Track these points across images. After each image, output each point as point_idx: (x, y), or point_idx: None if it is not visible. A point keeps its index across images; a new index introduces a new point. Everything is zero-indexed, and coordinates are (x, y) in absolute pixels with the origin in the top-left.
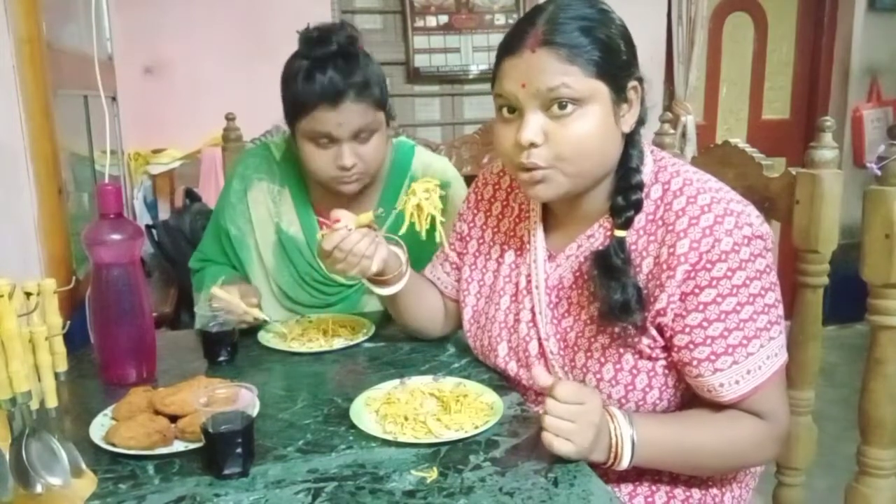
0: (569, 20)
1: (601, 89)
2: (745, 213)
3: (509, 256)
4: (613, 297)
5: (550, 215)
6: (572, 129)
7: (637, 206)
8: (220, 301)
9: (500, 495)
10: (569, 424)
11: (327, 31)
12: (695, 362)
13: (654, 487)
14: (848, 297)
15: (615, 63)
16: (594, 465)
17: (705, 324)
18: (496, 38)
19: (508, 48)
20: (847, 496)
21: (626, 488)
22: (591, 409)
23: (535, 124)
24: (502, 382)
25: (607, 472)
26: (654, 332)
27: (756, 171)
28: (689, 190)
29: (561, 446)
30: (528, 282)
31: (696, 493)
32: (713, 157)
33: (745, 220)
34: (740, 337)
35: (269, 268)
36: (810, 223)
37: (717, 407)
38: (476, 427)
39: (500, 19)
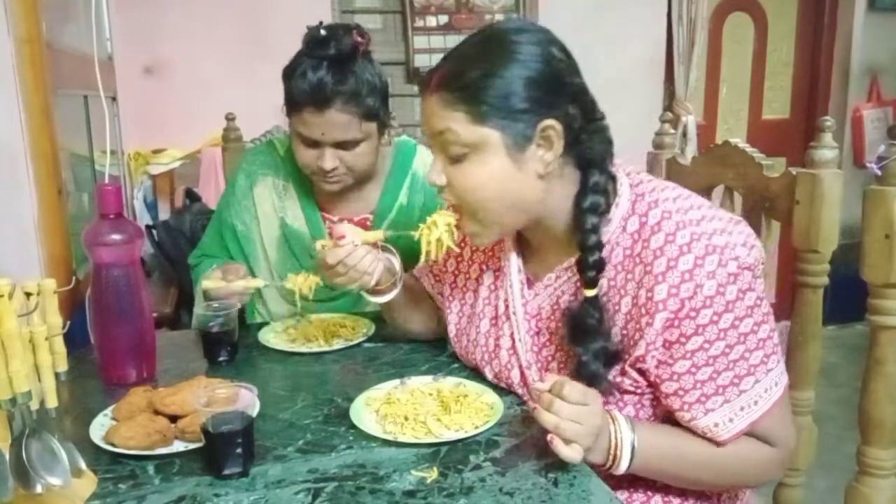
0: (468, 62)
1: (492, 136)
2: (729, 245)
3: (488, 277)
4: (583, 360)
5: (526, 241)
6: (465, 174)
7: (599, 268)
8: (216, 291)
9: (500, 495)
10: (576, 426)
11: (330, 35)
12: (686, 406)
13: (649, 493)
14: (848, 297)
15: (510, 108)
16: (592, 467)
17: (693, 370)
18: None
19: (422, 85)
20: (847, 496)
21: (621, 495)
22: (595, 411)
23: (437, 166)
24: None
25: (603, 477)
26: (634, 374)
27: (756, 171)
28: (668, 225)
29: (570, 453)
30: (507, 307)
31: (691, 501)
32: (713, 157)
33: (729, 255)
34: (731, 377)
35: (273, 262)
36: (810, 223)
37: None
38: (476, 427)
39: (500, 19)
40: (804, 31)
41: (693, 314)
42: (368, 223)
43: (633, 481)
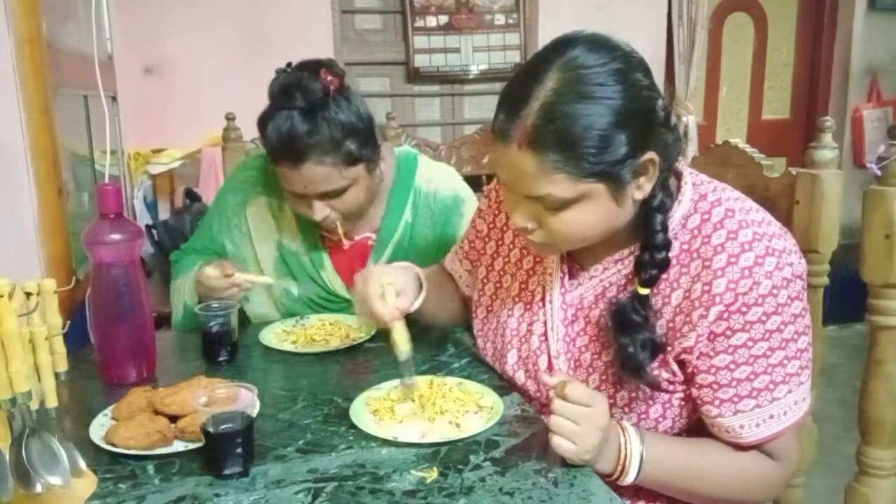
0: (557, 115)
1: (595, 188)
2: (786, 250)
3: (527, 262)
4: (626, 352)
5: None
6: (564, 222)
7: (663, 267)
8: (215, 281)
9: (500, 495)
10: (574, 426)
11: (296, 82)
12: (717, 402)
13: None
14: (848, 297)
15: (611, 160)
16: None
17: (732, 366)
18: (496, 38)
19: (500, 131)
20: (847, 496)
21: None
22: (597, 413)
23: (524, 213)
24: (502, 382)
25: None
26: (675, 366)
27: (756, 171)
28: (730, 223)
29: (561, 444)
30: (544, 294)
31: None
32: (713, 157)
33: (786, 260)
34: (767, 381)
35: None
36: (810, 223)
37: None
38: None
39: (500, 19)
40: (804, 31)
41: (744, 309)
42: (371, 242)
43: (636, 492)
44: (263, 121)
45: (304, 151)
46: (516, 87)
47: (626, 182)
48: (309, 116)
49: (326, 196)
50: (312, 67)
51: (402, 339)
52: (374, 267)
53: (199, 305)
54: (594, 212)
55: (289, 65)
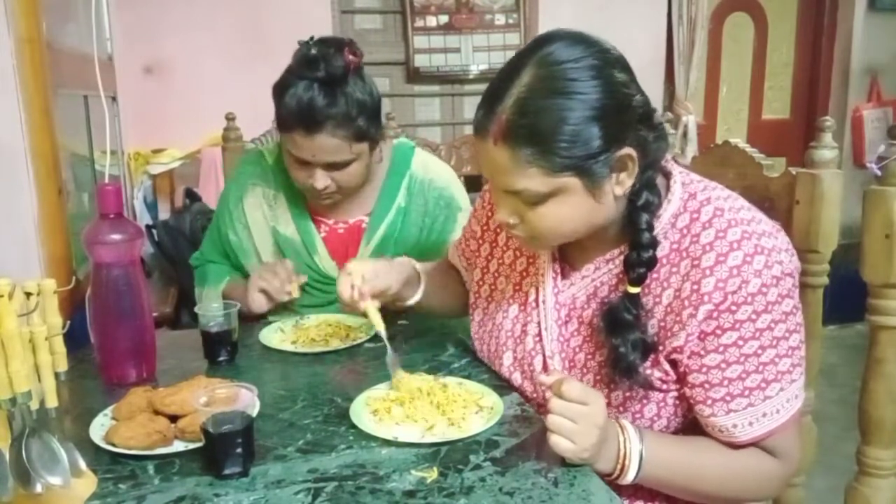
0: (530, 109)
1: (570, 182)
2: (776, 248)
3: (521, 264)
4: (618, 352)
5: None
6: (542, 216)
7: (650, 265)
8: (271, 266)
9: (500, 495)
10: (572, 424)
11: (321, 55)
12: (709, 401)
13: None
14: (848, 297)
15: (585, 154)
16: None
17: (723, 365)
18: (496, 38)
19: (479, 127)
20: (847, 496)
21: None
22: (595, 412)
23: (506, 208)
24: (502, 382)
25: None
26: (667, 366)
27: (756, 171)
28: (719, 222)
29: (560, 443)
30: (538, 294)
31: None
32: (713, 157)
33: (775, 259)
34: (759, 380)
35: None
36: (810, 223)
37: None
38: (475, 418)
39: (500, 19)
40: (804, 31)
41: (734, 308)
42: (364, 226)
43: (635, 491)
44: (282, 87)
45: (321, 122)
46: (495, 84)
47: (603, 177)
48: (329, 89)
49: (331, 167)
50: (337, 44)
51: (376, 319)
52: (349, 263)
53: (199, 306)
54: (572, 207)
55: (311, 38)
